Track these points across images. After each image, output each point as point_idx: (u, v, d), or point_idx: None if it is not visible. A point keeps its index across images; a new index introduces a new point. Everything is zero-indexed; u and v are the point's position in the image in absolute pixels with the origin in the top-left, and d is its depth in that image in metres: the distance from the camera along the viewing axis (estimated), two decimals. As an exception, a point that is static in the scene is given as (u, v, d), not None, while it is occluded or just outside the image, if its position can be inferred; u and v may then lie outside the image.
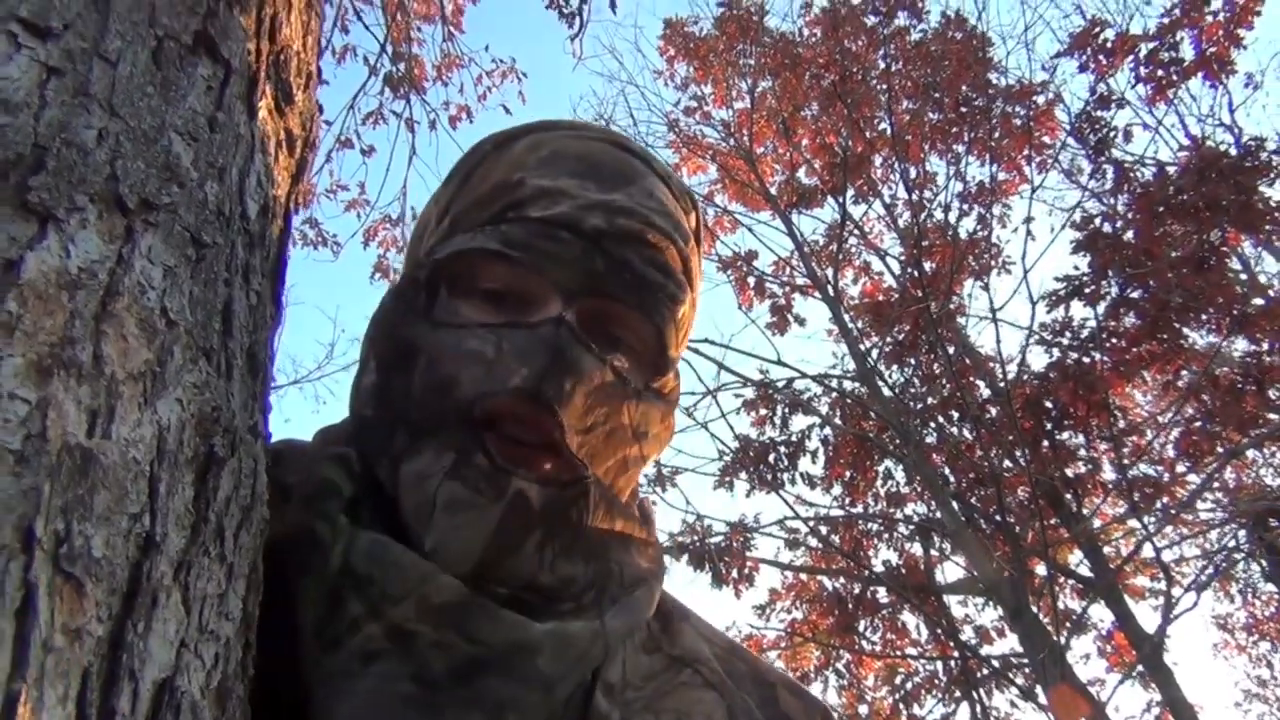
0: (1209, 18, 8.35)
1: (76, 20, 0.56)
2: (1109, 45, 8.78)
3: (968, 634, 8.63)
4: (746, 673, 0.83)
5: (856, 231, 10.45)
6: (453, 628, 0.62)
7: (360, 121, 7.97)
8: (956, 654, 8.00)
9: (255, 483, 0.56)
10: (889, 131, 9.73)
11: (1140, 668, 7.13)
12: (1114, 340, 8.06)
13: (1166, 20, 8.51)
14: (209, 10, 0.70)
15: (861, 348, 8.90)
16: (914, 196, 9.51)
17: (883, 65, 10.43)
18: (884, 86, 10.14)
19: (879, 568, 8.60)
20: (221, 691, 0.48)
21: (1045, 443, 8.02)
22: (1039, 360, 10.08)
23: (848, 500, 8.91)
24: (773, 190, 10.72)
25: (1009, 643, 8.38)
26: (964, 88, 9.97)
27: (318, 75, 1.02)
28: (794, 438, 8.76)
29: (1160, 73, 8.51)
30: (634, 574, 0.75)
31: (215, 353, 0.54)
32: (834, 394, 9.25)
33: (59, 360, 0.41)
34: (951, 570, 8.56)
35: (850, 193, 9.76)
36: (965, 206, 9.19)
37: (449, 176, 0.86)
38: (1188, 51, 8.58)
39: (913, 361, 9.03)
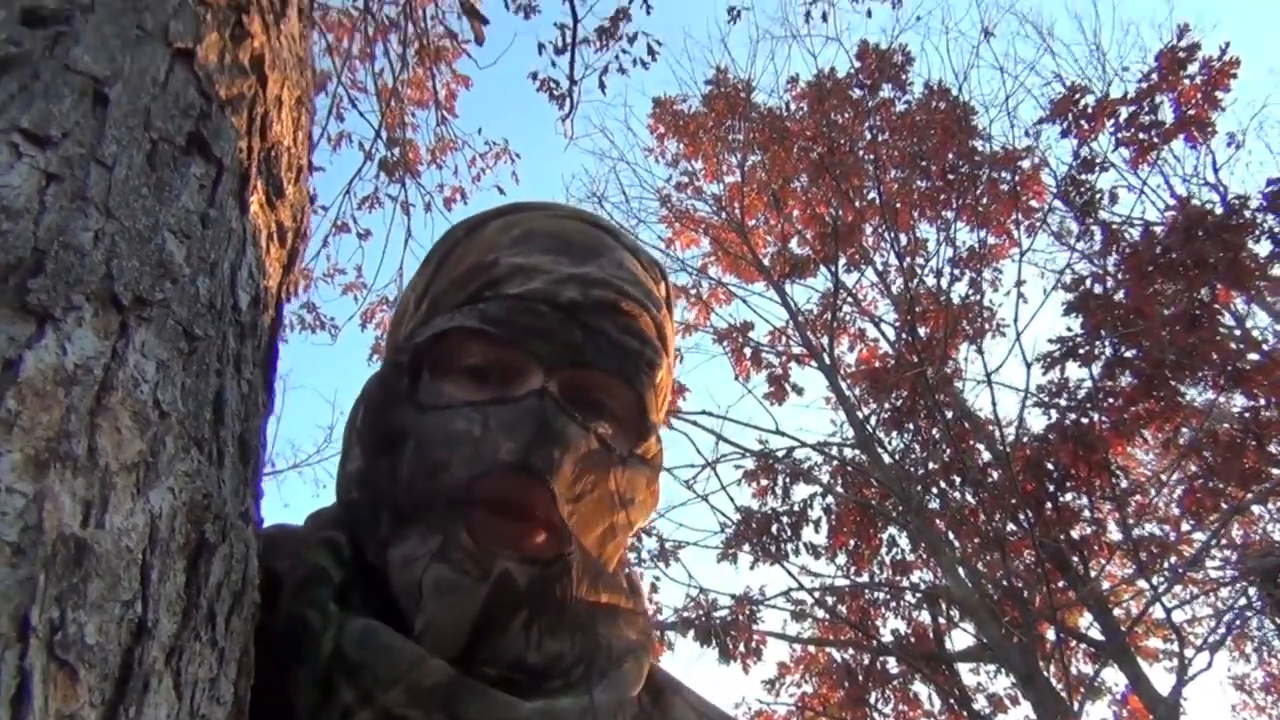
0: (1186, 81, 8.53)
1: (75, 128, 0.59)
2: (1089, 110, 8.96)
3: (980, 703, 8.50)
4: None
5: (850, 299, 10.53)
6: (442, 710, 0.62)
7: (356, 206, 8.10)
8: (969, 723, 7.86)
9: (246, 568, 0.57)
10: (878, 200, 9.87)
11: (1157, 732, 7.01)
12: (1111, 400, 8.08)
13: (1145, 85, 8.70)
14: (202, 112, 0.73)
15: (860, 415, 8.91)
16: (905, 263, 9.62)
17: (869, 136, 10.62)
18: (871, 157, 10.31)
19: (887, 637, 8.50)
20: (213, 776, 0.49)
21: (1048, 504, 7.99)
22: (1038, 422, 10.08)
23: (852, 569, 8.84)
24: (765, 261, 10.83)
25: (1023, 710, 8.26)
26: (950, 155, 10.14)
27: (309, 168, 1.05)
28: (796, 507, 8.72)
29: (1142, 135, 8.66)
30: (622, 646, 0.75)
31: (207, 442, 0.56)
32: (834, 462, 9.24)
33: (55, 454, 0.43)
34: (960, 638, 8.47)
35: (842, 261, 9.87)
36: (957, 271, 9.29)
37: (425, 261, 0.88)
38: (1168, 114, 8.75)
39: (911, 427, 9.03)
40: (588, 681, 0.70)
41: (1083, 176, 8.98)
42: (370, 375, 0.86)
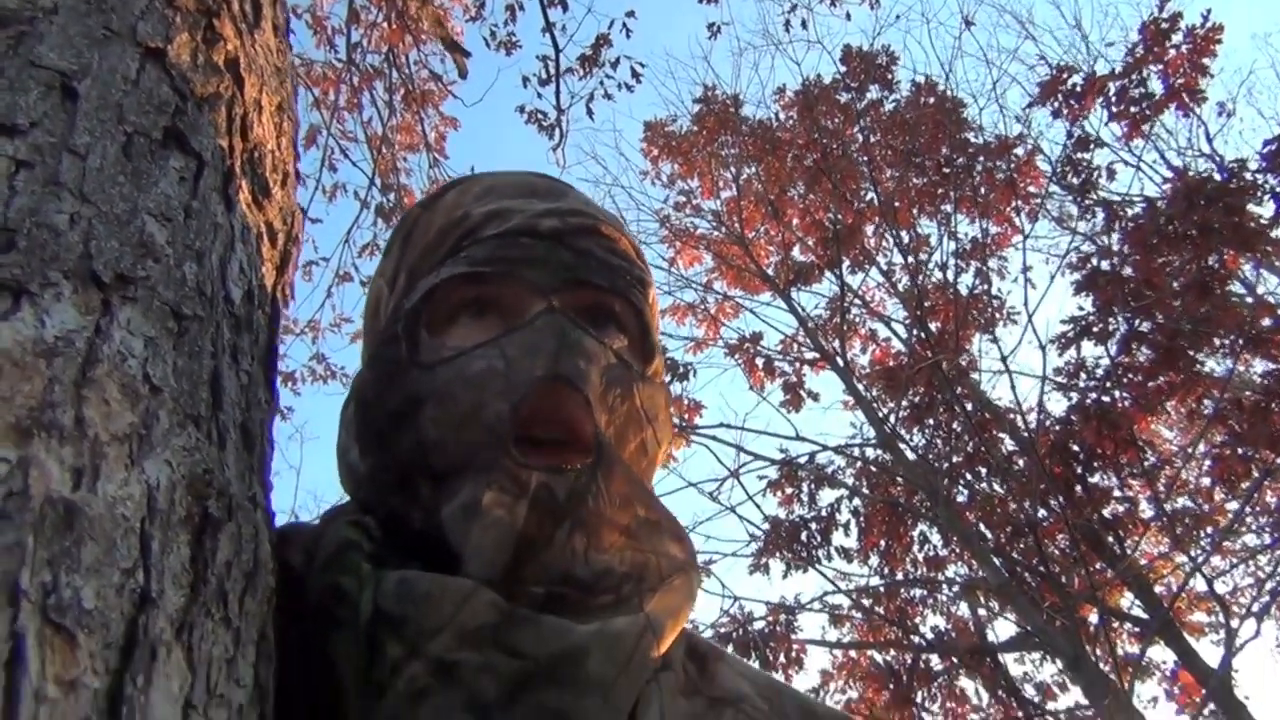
0: (1172, 51, 8.51)
1: (44, 119, 0.58)
2: (1078, 89, 8.94)
3: (1029, 692, 8.38)
4: (793, 710, 0.80)
5: (858, 301, 10.50)
6: (495, 647, 0.60)
7: (357, 255, 8.11)
8: (1020, 714, 7.75)
9: (258, 549, 0.55)
10: (876, 201, 9.86)
11: (1211, 706, 6.90)
12: (1130, 375, 8.01)
13: (1131, 59, 8.68)
14: (177, 108, 0.72)
15: (879, 414, 8.85)
16: (910, 260, 9.58)
17: (861, 138, 10.62)
18: (865, 158, 10.31)
19: (927, 635, 8.41)
20: (238, 759, 0.47)
21: (1078, 486, 7.90)
22: (1058, 405, 10.01)
23: (886, 570, 8.75)
24: (770, 271, 10.81)
25: (1072, 696, 8.15)
26: (944, 150, 10.13)
27: (296, 176, 1.04)
28: (824, 512, 8.65)
29: (1133, 109, 8.64)
30: (671, 563, 0.72)
31: (205, 420, 0.54)
32: (858, 464, 9.17)
33: (39, 422, 0.41)
34: (1003, 628, 8.37)
35: (846, 264, 9.84)
36: (962, 264, 9.25)
37: (387, 249, 0.88)
38: (1157, 86, 8.73)
39: (932, 422, 8.97)
40: (639, 597, 0.68)
41: (1078, 156, 8.95)
42: (356, 375, 0.84)
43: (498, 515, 0.64)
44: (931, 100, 10.68)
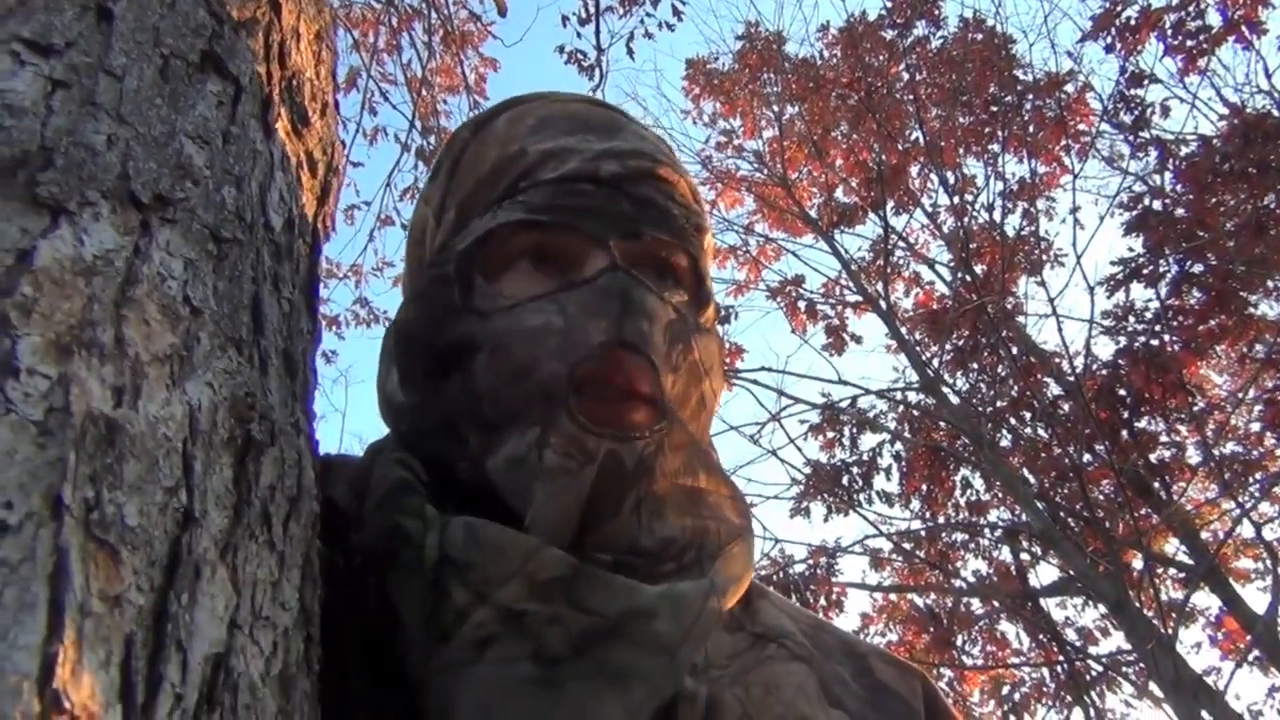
0: (1232, -19, 8.22)
1: (79, 39, 0.57)
2: (1132, 23, 8.66)
3: (1070, 636, 8.37)
4: (836, 645, 0.79)
5: (902, 244, 10.36)
6: (565, 601, 0.60)
7: (398, 199, 8.11)
8: (1061, 658, 7.75)
9: (301, 475, 0.55)
10: (921, 141, 9.67)
11: (1255, 651, 6.85)
12: (1181, 318, 7.86)
13: (1189, -10, 8.39)
14: (214, 32, 0.70)
15: (922, 358, 8.77)
16: (955, 201, 9.42)
17: (907, 76, 10.40)
18: (910, 97, 10.10)
19: (969, 579, 8.40)
20: (284, 680, 0.47)
21: (1124, 431, 7.81)
22: (1105, 349, 9.85)
23: (927, 514, 8.73)
24: (812, 213, 10.69)
25: (1115, 641, 8.13)
26: (991, 87, 9.89)
27: (335, 107, 1.02)
28: (865, 456, 8.63)
29: (1189, 43, 8.36)
30: (729, 530, 0.72)
31: (246, 344, 0.53)
32: (900, 408, 9.11)
33: (79, 340, 0.40)
34: (1045, 573, 8.34)
35: (890, 205, 9.69)
36: (1009, 204, 9.07)
37: (433, 174, 0.85)
38: (1215, 19, 8.43)
39: (975, 366, 8.87)
40: (700, 565, 0.68)
41: (1131, 92, 8.70)
42: (400, 305, 0.83)
43: (564, 482, 0.64)
44: (980, 36, 10.40)
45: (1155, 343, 7.72)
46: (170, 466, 0.41)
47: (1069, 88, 9.57)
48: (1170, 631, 6.34)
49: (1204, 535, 8.03)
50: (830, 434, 8.88)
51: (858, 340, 9.68)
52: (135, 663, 0.35)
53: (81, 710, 0.31)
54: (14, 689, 0.29)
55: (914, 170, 10.44)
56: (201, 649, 0.39)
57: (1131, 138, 8.87)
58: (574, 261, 0.71)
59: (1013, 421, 8.52)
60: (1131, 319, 7.99)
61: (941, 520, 8.70)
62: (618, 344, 0.66)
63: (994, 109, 9.74)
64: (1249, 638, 6.71)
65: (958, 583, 8.28)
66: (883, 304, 9.17)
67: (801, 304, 10.09)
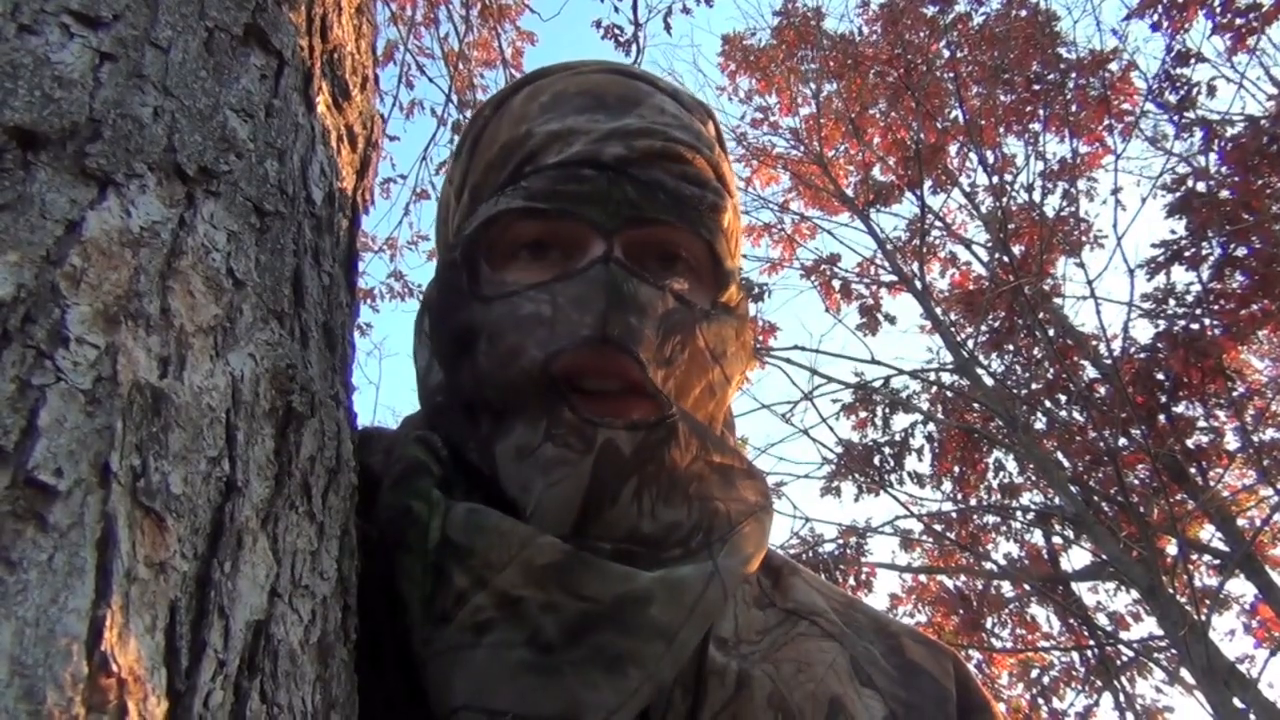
0: (1285, -42, 8.02)
1: (126, 12, 0.57)
2: (1180, 0, 8.49)
3: (1101, 620, 8.32)
4: (868, 624, 0.79)
5: (939, 224, 10.25)
6: (560, 587, 0.60)
7: (434, 172, 8.13)
8: (1092, 642, 7.70)
9: (340, 447, 0.56)
10: (961, 119, 9.55)
11: (1291, 641, 6.77)
12: (1222, 302, 7.73)
13: (1240, -33, 8.20)
14: (257, 6, 0.71)
15: (957, 339, 8.70)
16: (994, 180, 9.31)
17: (947, 54, 10.27)
18: (950, 75, 9.97)
19: (1000, 561, 8.35)
20: (323, 648, 0.47)
21: (1161, 416, 7.71)
22: (1144, 333, 9.73)
23: (959, 496, 8.68)
24: (848, 191, 10.60)
25: (1147, 626, 8.06)
26: (1034, 65, 9.74)
27: (375, 81, 1.03)
28: (898, 437, 8.58)
29: (1238, 21, 8.19)
30: (741, 509, 0.72)
31: (288, 317, 0.54)
32: (933, 389, 9.05)
33: (126, 310, 0.41)
34: (1077, 557, 8.28)
35: (928, 184, 9.59)
36: (1049, 184, 8.95)
37: (457, 151, 0.85)
38: (1266, -3, 8.24)
39: (1011, 348, 8.79)
40: (708, 549, 0.68)
41: (1177, 71, 8.54)
42: (429, 280, 0.83)
43: (563, 473, 0.64)
44: (1023, 13, 10.24)
45: (1195, 327, 7.60)
46: (214, 436, 0.42)
47: (1113, 66, 9.40)
48: (1203, 618, 6.28)
49: (1240, 522, 7.93)
50: (863, 414, 8.84)
51: (892, 320, 9.61)
52: (179, 628, 0.36)
53: (128, 673, 0.32)
54: (64, 650, 0.30)
55: (953, 149, 10.31)
56: (243, 616, 0.40)
57: (1176, 118, 8.70)
58: (574, 249, 0.70)
59: (1048, 404, 8.44)
60: (1172, 302, 7.87)
61: (973, 502, 8.65)
62: (599, 340, 0.65)
63: (1036, 87, 9.59)
64: (1284, 627, 6.64)
65: (988, 565, 8.23)
66: (918, 284, 9.09)
67: (836, 283, 10.02)
